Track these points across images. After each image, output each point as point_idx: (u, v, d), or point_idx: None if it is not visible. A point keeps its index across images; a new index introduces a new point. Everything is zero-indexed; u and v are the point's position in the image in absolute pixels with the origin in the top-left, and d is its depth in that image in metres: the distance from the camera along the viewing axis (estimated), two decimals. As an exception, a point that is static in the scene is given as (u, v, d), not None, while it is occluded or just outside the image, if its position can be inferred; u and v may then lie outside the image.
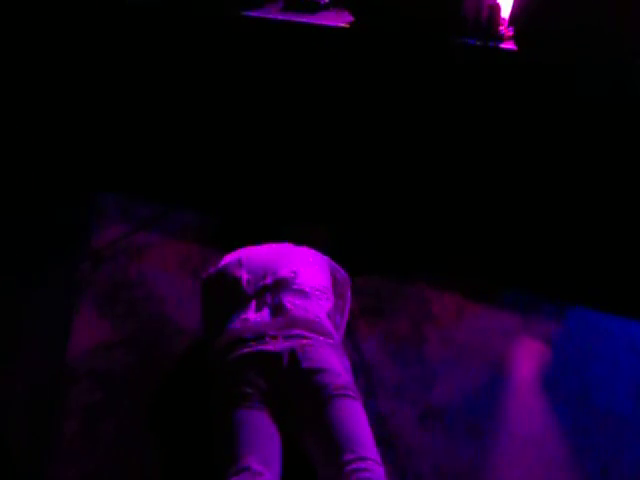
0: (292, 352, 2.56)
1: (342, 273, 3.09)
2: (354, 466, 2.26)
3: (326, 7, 4.19)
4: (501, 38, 3.68)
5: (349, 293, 3.10)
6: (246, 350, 2.59)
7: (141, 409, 2.85)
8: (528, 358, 3.20)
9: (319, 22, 4.04)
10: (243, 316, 2.74)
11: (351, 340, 3.10)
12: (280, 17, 4.14)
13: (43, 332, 3.24)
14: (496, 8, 3.74)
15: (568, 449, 2.70)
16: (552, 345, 3.22)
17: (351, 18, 4.00)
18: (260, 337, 2.62)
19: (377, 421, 2.58)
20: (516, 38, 3.58)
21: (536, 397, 2.96)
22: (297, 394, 2.50)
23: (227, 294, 2.88)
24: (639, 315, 3.34)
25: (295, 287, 2.83)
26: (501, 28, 3.72)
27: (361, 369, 2.94)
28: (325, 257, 3.09)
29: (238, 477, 2.24)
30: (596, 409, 2.84)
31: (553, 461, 2.64)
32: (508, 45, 3.63)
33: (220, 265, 3.01)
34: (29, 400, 2.87)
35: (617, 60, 3.37)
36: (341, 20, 3.99)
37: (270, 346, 2.58)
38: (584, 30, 3.40)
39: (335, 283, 3.01)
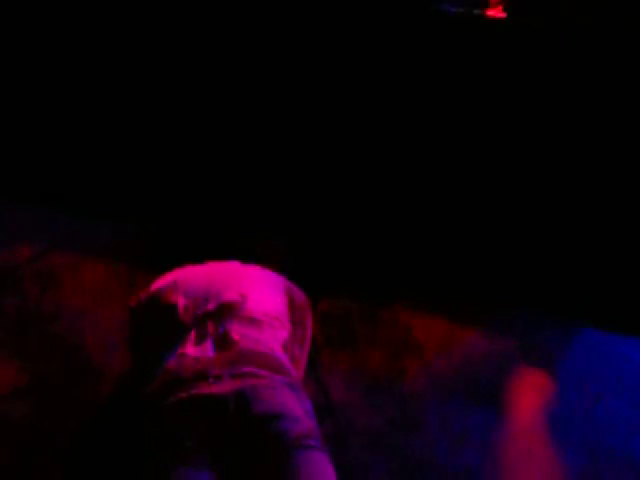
0: (240, 395, 2.47)
1: (301, 295, 3.03)
2: (322, 535, 2.21)
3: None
4: (486, 4, 3.76)
5: (310, 319, 3.03)
6: (184, 394, 2.49)
7: (54, 470, 2.74)
8: (528, 392, 3.16)
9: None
10: (180, 351, 2.67)
11: (314, 377, 3.05)
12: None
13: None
14: (480, -29, 3.83)
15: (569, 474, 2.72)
16: (556, 375, 3.22)
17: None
18: (201, 377, 2.53)
19: (348, 477, 2.49)
20: (504, 2, 3.70)
21: (539, 442, 2.91)
22: (248, 447, 2.41)
23: (161, 324, 2.80)
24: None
25: (243, 314, 2.77)
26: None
27: (327, 412, 2.89)
28: (280, 276, 3.04)
29: None
30: (613, 454, 2.82)
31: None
32: (495, 11, 3.72)
33: (152, 289, 2.94)
34: None
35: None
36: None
37: (213, 388, 2.50)
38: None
39: (292, 308, 2.95)
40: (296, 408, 2.50)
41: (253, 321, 2.75)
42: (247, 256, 3.07)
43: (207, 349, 2.65)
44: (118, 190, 4.25)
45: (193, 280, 2.92)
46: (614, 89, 3.51)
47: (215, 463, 2.37)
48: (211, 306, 2.77)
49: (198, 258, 3.06)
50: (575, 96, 3.59)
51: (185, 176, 4.18)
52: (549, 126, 3.67)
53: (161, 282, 2.93)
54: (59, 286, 3.60)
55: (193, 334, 2.71)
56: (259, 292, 2.87)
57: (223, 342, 2.66)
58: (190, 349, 2.66)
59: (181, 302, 2.80)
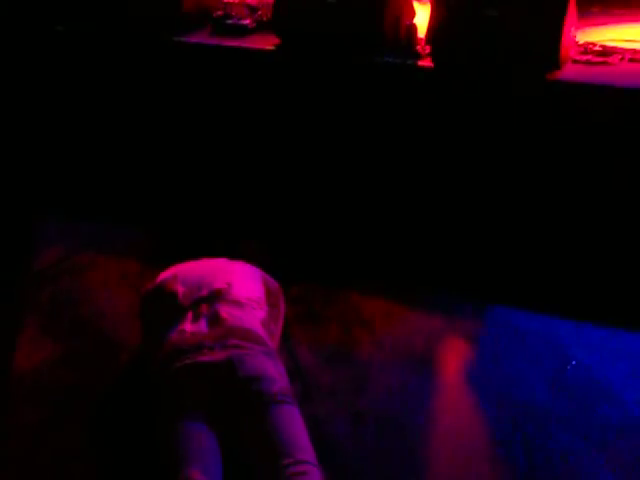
0: (229, 362, 2.51)
1: (274, 283, 3.05)
2: (292, 470, 2.23)
3: (252, 31, 4.21)
4: (419, 56, 3.74)
5: (282, 302, 3.05)
6: (184, 362, 2.52)
7: (84, 424, 2.75)
8: (452, 356, 3.21)
9: (247, 45, 4.06)
10: (180, 327, 2.68)
11: (286, 346, 3.04)
12: (210, 42, 4.15)
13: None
14: (413, 28, 3.84)
15: (493, 441, 2.69)
16: (474, 343, 3.24)
17: (277, 40, 4.01)
18: (198, 348, 2.56)
19: (313, 424, 2.50)
20: (433, 56, 3.64)
21: (461, 393, 2.96)
22: (235, 402, 2.44)
23: (165, 308, 2.82)
24: (555, 312, 3.35)
25: (230, 298, 2.79)
26: (418, 47, 3.78)
27: (297, 374, 2.88)
28: (258, 269, 3.05)
29: (181, 487, 2.20)
30: (518, 402, 2.84)
31: (479, 452, 2.63)
32: (425, 62, 3.69)
33: (157, 281, 2.95)
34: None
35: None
36: (266, 43, 4.00)
37: (207, 357, 2.52)
38: (492, 46, 3.54)
39: (268, 293, 2.97)
40: (272, 371, 2.53)
41: (238, 304, 2.77)
42: (232, 254, 3.09)
43: (202, 326, 2.67)
44: (130, 202, 4.22)
45: (190, 272, 2.94)
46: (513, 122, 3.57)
47: (210, 416, 2.40)
48: (204, 292, 2.79)
49: (194, 256, 3.08)
50: (490, 128, 3.62)
51: (185, 192, 4.15)
52: (474, 151, 3.68)
53: (164, 275, 2.95)
54: (84, 279, 3.59)
55: (190, 315, 2.73)
56: (242, 281, 2.90)
57: (214, 320, 2.68)
58: (188, 326, 2.68)
59: (180, 290, 2.82)
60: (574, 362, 3.03)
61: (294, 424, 2.38)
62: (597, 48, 3.87)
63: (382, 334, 3.22)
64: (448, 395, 2.96)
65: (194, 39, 4.17)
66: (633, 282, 3.42)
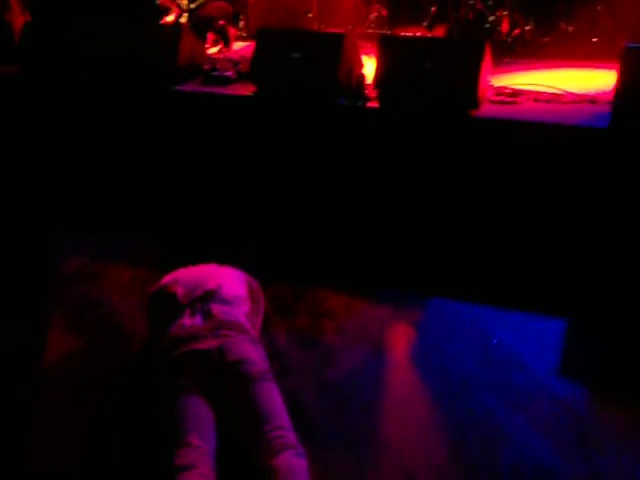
0: (220, 348, 2.51)
1: (255, 283, 3.03)
2: (272, 434, 2.25)
3: (234, 81, 4.25)
4: (367, 99, 3.80)
5: (262, 298, 3.03)
6: (183, 349, 2.52)
7: (104, 401, 2.74)
8: (400, 340, 3.19)
9: (230, 92, 4.12)
10: (180, 322, 2.66)
11: (266, 334, 3.03)
12: (200, 89, 4.20)
13: (23, 341, 3.11)
14: (362, 77, 3.92)
15: (434, 407, 2.70)
16: (418, 329, 3.22)
17: (254, 88, 4.05)
18: (194, 338, 2.56)
19: (288, 396, 2.51)
20: (378, 98, 3.74)
21: (408, 370, 2.95)
22: (225, 381, 2.44)
23: (166, 306, 2.79)
24: (480, 300, 3.36)
25: (220, 297, 2.77)
26: (367, 92, 3.83)
27: (274, 356, 2.88)
28: (241, 272, 3.03)
29: (182, 450, 2.20)
30: (453, 375, 2.85)
31: (423, 417, 2.65)
32: (372, 104, 3.76)
33: (161, 284, 2.93)
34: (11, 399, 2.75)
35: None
36: (246, 90, 4.06)
37: (202, 344, 2.52)
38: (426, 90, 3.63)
39: (250, 291, 2.95)
40: (255, 355, 2.54)
41: (226, 301, 2.76)
42: (221, 260, 3.07)
43: (197, 320, 2.66)
44: (137, 221, 4.19)
45: (187, 276, 2.92)
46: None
47: (205, 392, 2.40)
48: (199, 292, 2.77)
49: (190, 262, 3.05)
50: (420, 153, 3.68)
51: (182, 212, 4.15)
52: (413, 171, 3.73)
53: (166, 279, 2.93)
54: (100, 284, 3.55)
55: (188, 311, 2.71)
56: (229, 283, 2.88)
57: (207, 315, 2.66)
58: (186, 320, 2.66)
59: (179, 291, 2.80)
60: (495, 341, 3.05)
61: (273, 397, 2.39)
62: (508, 90, 3.94)
63: (343, 322, 3.21)
64: (398, 371, 2.95)
65: (188, 88, 4.23)
66: (542, 274, 3.47)
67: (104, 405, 2.71)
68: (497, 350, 3.00)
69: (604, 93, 3.75)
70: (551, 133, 3.42)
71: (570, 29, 5.91)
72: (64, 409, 2.70)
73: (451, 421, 2.60)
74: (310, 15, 6.27)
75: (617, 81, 3.35)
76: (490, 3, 5.67)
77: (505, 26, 5.51)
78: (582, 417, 2.60)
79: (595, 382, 2.79)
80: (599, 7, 5.84)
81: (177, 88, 4.20)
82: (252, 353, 2.53)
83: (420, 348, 3.07)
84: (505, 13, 5.52)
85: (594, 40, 5.72)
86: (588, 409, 2.64)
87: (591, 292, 3.36)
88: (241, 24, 6.42)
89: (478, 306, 3.33)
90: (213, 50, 5.52)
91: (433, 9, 5.21)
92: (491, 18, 5.59)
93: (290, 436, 2.25)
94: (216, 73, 4.31)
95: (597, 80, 4.32)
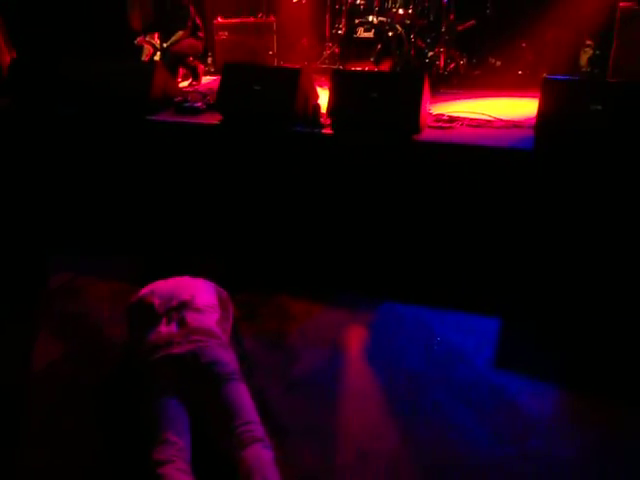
0: (193, 352, 2.47)
1: (224, 293, 2.98)
2: (242, 429, 2.22)
3: (203, 111, 4.24)
4: (322, 126, 3.81)
5: (231, 306, 2.98)
6: (160, 354, 2.47)
7: (89, 403, 2.68)
8: (355, 340, 3.17)
9: (199, 121, 4.09)
10: (157, 329, 2.61)
11: (235, 338, 2.97)
12: (173, 119, 4.18)
13: (11, 348, 3.05)
14: (317, 106, 3.91)
15: (387, 398, 2.69)
16: (371, 329, 3.22)
17: (221, 117, 4.03)
18: (169, 343, 2.51)
19: (256, 394, 2.48)
20: (332, 126, 3.75)
21: (363, 367, 2.93)
22: (199, 382, 2.40)
23: (145, 315, 2.73)
24: (425, 302, 3.38)
25: (193, 306, 2.72)
26: (322, 120, 3.83)
27: (243, 358, 2.81)
28: (212, 283, 2.98)
29: (160, 446, 2.16)
30: (403, 370, 2.86)
31: (378, 407, 2.64)
32: (327, 131, 3.77)
33: (139, 295, 2.86)
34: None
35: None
36: (213, 119, 4.04)
37: (177, 349, 2.48)
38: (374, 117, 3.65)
39: (220, 300, 2.90)
40: (225, 357, 2.50)
41: (199, 310, 2.71)
42: (194, 273, 3.02)
43: (172, 328, 2.61)
44: (117, 239, 4.11)
45: (163, 288, 2.85)
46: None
47: (180, 393, 2.36)
48: (174, 303, 2.72)
49: (165, 275, 2.99)
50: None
51: (157, 231, 4.09)
52: (364, 189, 3.74)
53: (144, 291, 2.86)
54: (83, 298, 3.46)
55: (164, 320, 2.66)
56: (201, 293, 2.83)
57: (182, 323, 2.62)
58: (163, 328, 2.61)
59: (156, 302, 2.74)
60: (439, 338, 3.07)
61: (242, 395, 2.36)
62: (445, 117, 3.99)
63: (305, 325, 3.19)
64: (354, 368, 2.93)
65: (160, 118, 4.20)
66: (479, 278, 3.51)
67: (89, 407, 2.65)
68: (440, 346, 3.01)
69: (528, 119, 3.83)
70: (483, 154, 3.47)
71: (498, 63, 6.05)
72: (51, 411, 2.63)
73: (402, 411, 2.60)
74: (271, 53, 6.30)
75: (539, 108, 3.42)
76: (429, 41, 5.77)
77: (442, 61, 5.61)
78: (516, 404, 2.62)
79: (528, 373, 2.82)
80: (523, 44, 6.00)
81: (152, 118, 4.17)
82: (223, 356, 2.50)
83: (373, 347, 3.06)
84: (442, 50, 5.61)
85: (519, 72, 5.85)
86: (522, 397, 2.66)
87: (521, 293, 3.41)
88: (209, 60, 6.42)
89: (423, 307, 3.34)
90: (184, 84, 5.51)
91: (379, 46, 5.25)
92: (430, 54, 5.68)
93: (258, 430, 2.22)
94: (187, 104, 4.29)
95: (522, 107, 4.41)
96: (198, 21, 5.54)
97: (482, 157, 3.47)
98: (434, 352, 2.97)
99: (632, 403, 2.64)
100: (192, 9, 5.45)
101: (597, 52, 5.62)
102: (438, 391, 2.70)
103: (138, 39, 5.35)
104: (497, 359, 2.92)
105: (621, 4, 4.95)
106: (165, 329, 2.60)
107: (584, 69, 5.73)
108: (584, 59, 5.76)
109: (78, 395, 2.72)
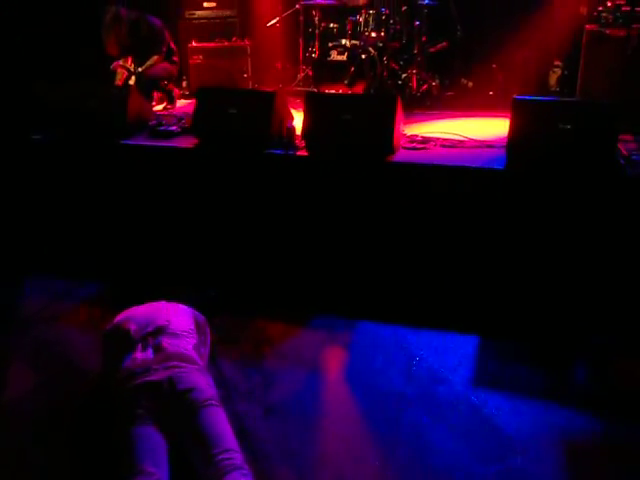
0: (170, 379, 2.42)
1: (201, 317, 2.95)
2: (221, 457, 2.18)
3: (178, 135, 4.21)
4: (297, 148, 3.80)
5: (209, 330, 2.95)
6: (137, 381, 2.42)
7: (63, 434, 2.62)
8: (334, 360, 3.15)
9: (174, 145, 4.06)
10: (133, 356, 2.57)
11: (213, 363, 2.95)
12: (147, 143, 4.15)
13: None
14: (292, 129, 3.92)
15: (365, 422, 2.67)
16: (349, 350, 3.19)
17: (196, 141, 4.00)
18: (146, 370, 2.47)
19: (235, 419, 2.47)
20: (307, 148, 3.76)
21: (341, 388, 2.90)
22: (176, 409, 2.36)
23: (120, 342, 2.68)
24: (402, 322, 3.37)
25: (169, 331, 2.69)
26: (296, 142, 3.84)
27: (221, 383, 2.81)
28: (188, 307, 2.95)
29: (137, 478, 2.11)
30: (381, 390, 2.84)
31: (356, 428, 2.63)
32: (301, 153, 3.77)
33: (114, 322, 2.81)
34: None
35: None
36: (188, 143, 4.02)
37: (154, 376, 2.43)
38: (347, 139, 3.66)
39: (197, 325, 2.86)
40: (203, 383, 2.47)
41: (175, 335, 2.68)
42: (170, 298, 2.98)
43: (149, 354, 2.57)
44: (92, 265, 4.03)
45: (138, 314, 2.82)
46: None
47: (157, 421, 2.31)
48: (150, 328, 2.69)
49: (141, 301, 2.95)
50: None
51: (132, 256, 4.05)
52: (340, 209, 3.73)
53: (119, 317, 2.82)
54: (58, 324, 3.39)
55: (140, 346, 2.62)
56: (177, 318, 2.80)
57: (158, 349, 2.58)
58: (138, 355, 2.57)
59: (132, 328, 2.70)
60: (417, 358, 3.06)
61: (220, 422, 2.32)
62: (419, 138, 4.02)
63: (283, 348, 3.17)
64: (333, 389, 2.90)
65: (135, 142, 4.17)
66: (456, 297, 3.51)
67: (62, 439, 2.58)
68: (419, 366, 3.00)
69: (500, 139, 3.87)
70: (456, 174, 3.50)
71: (470, 84, 6.15)
72: (23, 443, 2.56)
73: (381, 433, 2.58)
74: (245, 75, 6.32)
75: (509, 128, 3.46)
76: (402, 63, 5.84)
77: (415, 82, 5.67)
78: (496, 423, 2.61)
79: (507, 390, 2.82)
80: (494, 65, 6.09)
81: (127, 142, 4.14)
82: (200, 381, 2.46)
83: (351, 368, 3.03)
84: (415, 71, 5.68)
85: (490, 93, 5.94)
86: (501, 415, 2.66)
87: (498, 309, 3.42)
88: (184, 84, 6.42)
89: (401, 327, 3.32)
90: (159, 107, 5.49)
91: (352, 69, 5.29)
92: (403, 75, 5.74)
93: (237, 457, 2.19)
94: (161, 128, 4.27)
95: (494, 127, 4.47)
96: (172, 46, 5.54)
97: (455, 177, 3.49)
98: (413, 372, 2.95)
99: (612, 419, 2.64)
100: (167, 34, 5.45)
101: (566, 72, 5.74)
102: (417, 412, 2.68)
103: (113, 64, 5.34)
104: (476, 377, 2.91)
105: (586, 26, 5.07)
106: (141, 355, 2.56)
107: (553, 89, 5.84)
108: (553, 79, 5.87)
109: (51, 426, 2.65)
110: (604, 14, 4.91)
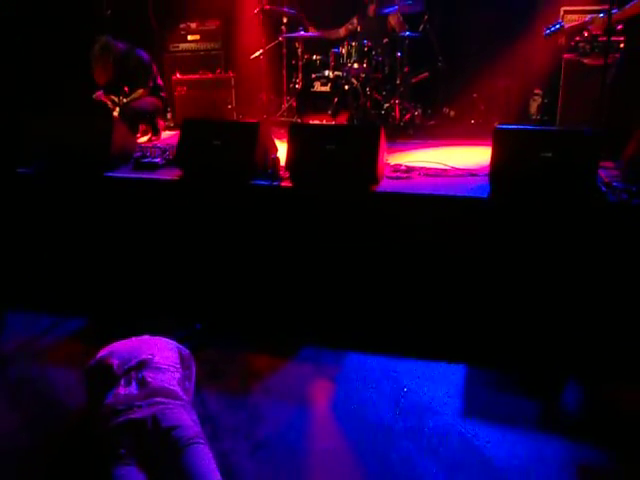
0: (154, 417, 2.37)
1: (186, 351, 2.90)
2: (205, 497, 2.11)
3: (162, 166, 4.20)
4: (281, 179, 3.79)
5: (193, 364, 2.89)
6: (120, 419, 2.36)
7: (45, 472, 2.54)
8: (321, 392, 3.08)
9: (158, 177, 4.04)
10: (115, 392, 2.51)
11: (198, 398, 2.88)
12: (131, 175, 4.12)
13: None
14: (277, 160, 3.92)
15: (354, 456, 2.60)
16: (336, 383, 3.13)
17: (180, 173, 3.98)
18: (129, 407, 2.41)
19: (221, 457, 2.40)
20: (291, 178, 3.76)
21: (330, 422, 2.83)
22: (159, 448, 2.30)
23: (104, 378, 2.62)
24: (390, 352, 3.33)
25: (153, 365, 2.64)
26: (281, 173, 3.82)
27: (207, 419, 2.73)
28: (172, 341, 2.90)
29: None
30: (369, 421, 2.79)
31: (344, 460, 2.57)
32: (286, 183, 3.76)
33: (97, 357, 2.75)
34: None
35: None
36: (172, 175, 4.00)
37: (137, 414, 2.38)
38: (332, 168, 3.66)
39: (182, 359, 2.81)
40: (187, 420, 2.41)
41: (159, 369, 2.63)
42: (153, 332, 2.93)
43: (132, 389, 2.52)
44: (74, 301, 3.94)
45: (121, 349, 2.77)
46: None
47: (140, 460, 2.26)
48: (133, 363, 2.64)
49: (126, 335, 2.90)
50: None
51: (115, 289, 3.99)
52: (323, 237, 3.71)
53: (102, 352, 2.77)
54: (40, 360, 3.30)
55: (123, 381, 2.57)
56: (161, 352, 2.75)
57: (142, 383, 2.54)
58: (121, 390, 2.52)
59: (115, 363, 2.65)
60: (406, 389, 3.02)
61: (205, 461, 2.26)
62: (402, 167, 4.03)
63: (269, 382, 3.11)
64: (321, 423, 2.83)
65: (120, 174, 4.14)
66: (442, 326, 3.48)
67: (45, 474, 2.51)
68: (407, 397, 2.95)
69: (483, 167, 3.90)
70: (440, 203, 3.50)
71: (452, 113, 6.22)
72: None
73: (371, 466, 2.52)
74: (230, 106, 6.34)
75: (491, 157, 3.48)
76: (384, 93, 5.90)
77: (398, 112, 5.72)
78: (486, 455, 2.57)
79: (497, 421, 2.78)
80: (475, 94, 6.17)
81: (110, 174, 4.11)
82: (184, 418, 2.40)
83: (339, 401, 2.97)
84: (397, 101, 5.73)
85: (472, 121, 6.01)
86: (492, 447, 2.61)
87: (484, 337, 3.39)
88: (168, 115, 6.43)
89: (388, 357, 3.28)
90: (143, 139, 5.48)
91: (335, 99, 5.33)
92: (386, 105, 5.79)
93: (223, 498, 2.13)
94: (145, 160, 4.25)
95: (476, 155, 4.50)
96: (159, 81, 5.56)
97: (440, 206, 3.49)
98: (401, 404, 2.91)
99: (604, 448, 2.60)
100: (155, 68, 5.47)
101: (546, 100, 5.83)
102: (407, 444, 2.63)
103: (97, 93, 5.33)
104: (465, 408, 2.87)
105: (565, 56, 5.16)
106: (124, 391, 2.51)
107: (534, 117, 5.93)
108: (534, 107, 5.96)
109: (34, 469, 2.56)
110: (581, 44, 5.02)
